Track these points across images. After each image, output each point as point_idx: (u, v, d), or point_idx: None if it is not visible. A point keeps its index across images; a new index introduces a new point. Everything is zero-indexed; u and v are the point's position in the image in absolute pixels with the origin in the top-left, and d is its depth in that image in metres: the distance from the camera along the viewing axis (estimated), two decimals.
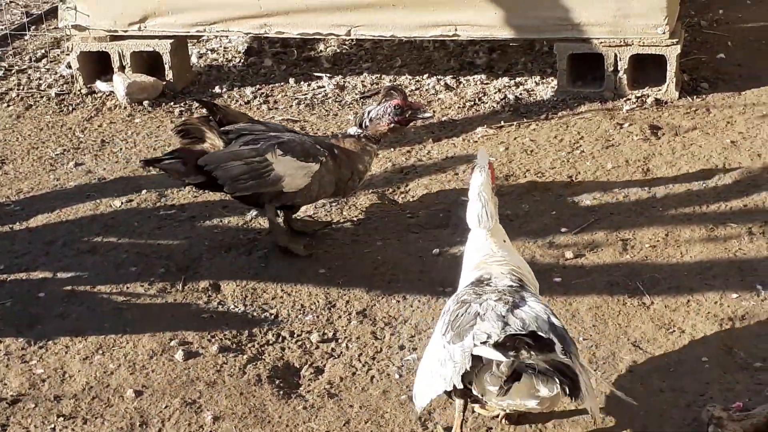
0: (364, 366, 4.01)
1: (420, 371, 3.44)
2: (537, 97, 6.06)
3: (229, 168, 4.48)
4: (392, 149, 5.60)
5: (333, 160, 4.64)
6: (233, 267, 4.63)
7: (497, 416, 3.63)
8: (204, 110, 4.80)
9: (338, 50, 6.82)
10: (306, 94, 6.31)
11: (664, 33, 5.68)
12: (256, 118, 5.16)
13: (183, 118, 5.25)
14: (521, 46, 6.57)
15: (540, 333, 3.09)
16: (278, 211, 4.76)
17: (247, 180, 4.50)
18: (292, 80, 6.47)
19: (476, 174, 3.63)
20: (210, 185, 4.60)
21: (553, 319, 3.25)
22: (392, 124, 4.67)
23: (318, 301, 4.41)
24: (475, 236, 3.65)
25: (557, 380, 3.06)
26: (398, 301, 4.39)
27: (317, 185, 4.62)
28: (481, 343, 3.10)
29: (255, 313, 4.35)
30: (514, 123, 5.78)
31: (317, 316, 4.31)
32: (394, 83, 4.96)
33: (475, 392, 3.24)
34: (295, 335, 4.21)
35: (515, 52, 6.56)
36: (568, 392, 3.08)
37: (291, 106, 6.16)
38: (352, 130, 4.76)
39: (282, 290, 4.49)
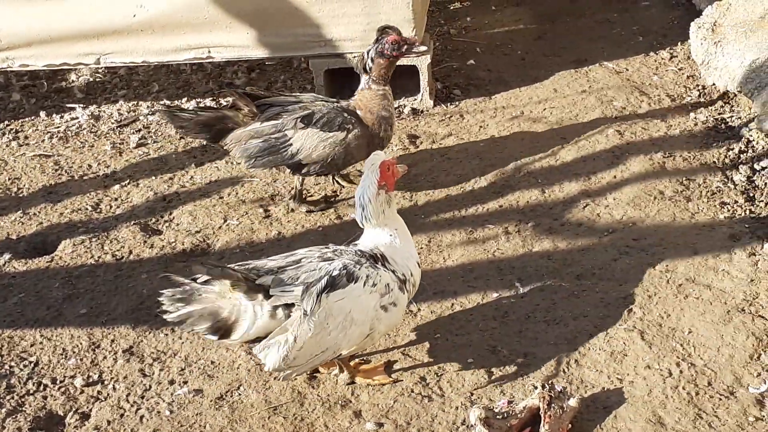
0: (132, 406, 3.88)
1: None
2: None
3: (248, 147, 4.82)
4: (153, 177, 5.46)
5: (360, 125, 4.87)
6: None
7: None
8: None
9: (91, 79, 6.59)
10: (59, 126, 6.06)
11: None
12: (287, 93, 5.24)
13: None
14: (280, 64, 6.56)
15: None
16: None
17: (264, 156, 4.83)
18: (43, 113, 6.19)
19: (363, 177, 3.81)
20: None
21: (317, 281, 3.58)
22: (390, 58, 4.88)
23: (81, 343, 4.23)
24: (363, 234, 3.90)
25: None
26: (167, 335, 4.27)
27: (342, 152, 4.87)
28: None
29: (13, 363, 4.12)
30: None
31: (80, 359, 4.14)
32: (386, 24, 5.02)
33: None
34: (58, 381, 4.02)
35: (274, 70, 6.55)
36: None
37: (43, 141, 5.89)
38: (362, 81, 4.96)
39: (41, 335, 4.28)
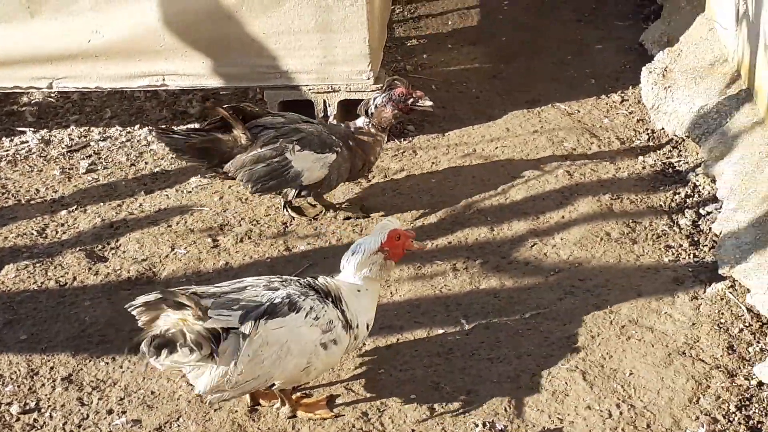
0: None
1: None
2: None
3: (252, 171, 4.94)
4: (101, 204, 5.41)
5: (348, 150, 5.05)
6: None
7: None
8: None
9: (43, 103, 6.54)
10: (8, 150, 5.99)
11: (369, 79, 5.85)
12: (273, 111, 5.37)
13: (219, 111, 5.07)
14: (235, 94, 6.55)
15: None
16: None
17: (269, 180, 4.95)
18: None
19: (372, 234, 3.88)
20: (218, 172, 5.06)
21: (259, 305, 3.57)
22: (396, 111, 5.06)
23: (19, 370, 4.16)
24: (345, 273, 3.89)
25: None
26: (107, 363, 4.22)
27: (335, 173, 5.05)
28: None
29: None
30: None
31: (18, 386, 4.07)
32: (395, 77, 5.17)
33: None
34: None
35: (229, 100, 6.51)
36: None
37: None
38: (360, 120, 5.11)
39: None
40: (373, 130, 5.10)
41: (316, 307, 3.68)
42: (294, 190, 5.06)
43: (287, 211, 5.27)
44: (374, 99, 5.11)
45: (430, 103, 5.15)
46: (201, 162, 5.04)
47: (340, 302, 3.77)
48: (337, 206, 5.32)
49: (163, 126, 5.25)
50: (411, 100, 5.09)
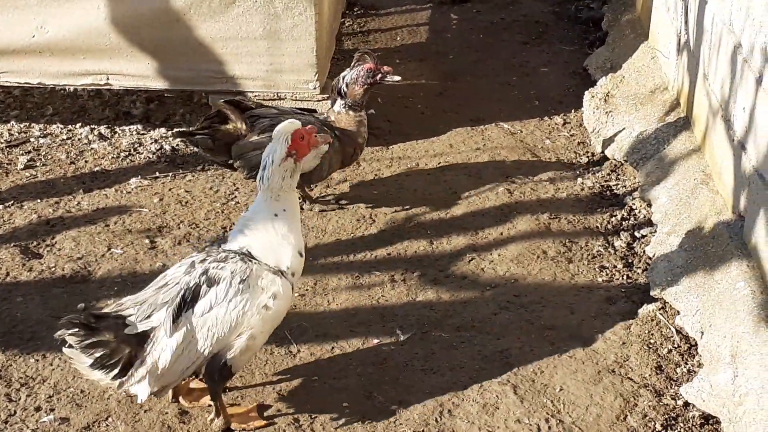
0: None
1: None
2: (194, 149, 6.02)
3: (250, 158, 4.95)
4: (38, 200, 5.34)
5: (338, 141, 5.08)
6: None
7: None
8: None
9: None
10: None
11: (315, 88, 5.86)
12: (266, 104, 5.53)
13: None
14: (180, 97, 6.52)
15: None
16: None
17: None
18: None
19: (273, 141, 3.73)
20: (231, 167, 5.10)
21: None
22: (365, 86, 5.11)
23: None
24: (256, 198, 3.78)
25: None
26: (37, 360, 4.16)
27: (327, 164, 5.11)
28: None
29: None
30: (170, 174, 5.71)
31: None
32: (364, 50, 5.24)
33: None
34: None
35: (174, 103, 6.50)
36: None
37: None
38: (337, 105, 5.15)
39: None
40: (352, 113, 5.15)
41: (237, 269, 3.58)
42: None
43: (310, 206, 5.37)
44: (344, 77, 5.13)
45: (399, 78, 5.25)
46: (225, 158, 5.07)
47: (255, 258, 3.64)
48: (314, 198, 5.40)
49: (181, 129, 5.30)
50: (380, 75, 5.15)
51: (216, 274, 3.56)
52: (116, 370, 3.50)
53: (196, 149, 5.23)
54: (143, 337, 3.51)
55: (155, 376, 3.52)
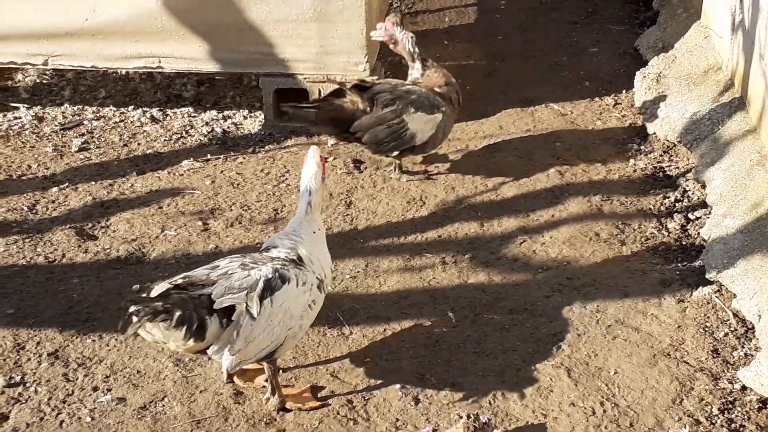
0: (53, 410, 3.82)
1: None
2: (245, 131, 6.06)
3: (376, 132, 5.17)
4: (93, 182, 5.40)
5: (450, 107, 5.34)
6: None
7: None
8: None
9: (38, 80, 6.52)
10: (1, 125, 5.97)
11: (364, 70, 5.85)
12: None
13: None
14: (230, 80, 6.55)
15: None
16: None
17: (390, 142, 5.21)
18: None
19: (308, 165, 3.96)
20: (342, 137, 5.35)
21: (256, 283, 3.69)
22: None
23: (5, 343, 4.16)
24: (296, 217, 4.02)
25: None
26: (94, 341, 4.22)
27: (441, 132, 5.34)
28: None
29: None
30: (221, 156, 5.75)
31: (4, 360, 4.07)
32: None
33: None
34: None
35: (224, 86, 6.54)
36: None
37: None
38: (416, 70, 5.42)
39: None
40: (433, 70, 5.42)
41: (298, 273, 3.82)
42: (404, 152, 5.35)
43: (399, 175, 5.49)
44: (407, 41, 5.38)
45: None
46: (332, 129, 5.31)
47: (305, 263, 3.90)
48: (405, 170, 5.55)
49: (290, 103, 5.41)
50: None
51: (286, 273, 3.78)
52: (202, 343, 3.59)
53: (300, 123, 5.48)
54: (229, 314, 3.61)
55: (238, 352, 3.62)
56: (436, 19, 7.67)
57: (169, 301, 3.51)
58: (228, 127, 6.08)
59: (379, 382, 4.02)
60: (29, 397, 3.89)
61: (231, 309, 3.62)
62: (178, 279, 3.67)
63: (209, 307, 3.58)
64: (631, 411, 3.87)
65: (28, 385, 3.95)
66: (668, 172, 5.56)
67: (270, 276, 3.73)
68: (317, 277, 3.90)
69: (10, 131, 5.92)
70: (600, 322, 4.36)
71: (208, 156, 5.74)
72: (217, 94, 6.46)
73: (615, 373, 4.06)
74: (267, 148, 5.86)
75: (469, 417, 3.67)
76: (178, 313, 3.49)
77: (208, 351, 3.63)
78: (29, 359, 4.09)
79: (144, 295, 3.61)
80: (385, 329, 4.34)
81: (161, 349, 3.99)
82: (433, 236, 5.03)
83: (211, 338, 3.59)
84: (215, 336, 3.60)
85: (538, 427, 3.80)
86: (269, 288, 3.70)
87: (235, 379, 4.00)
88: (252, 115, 6.23)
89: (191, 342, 3.55)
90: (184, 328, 3.50)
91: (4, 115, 6.09)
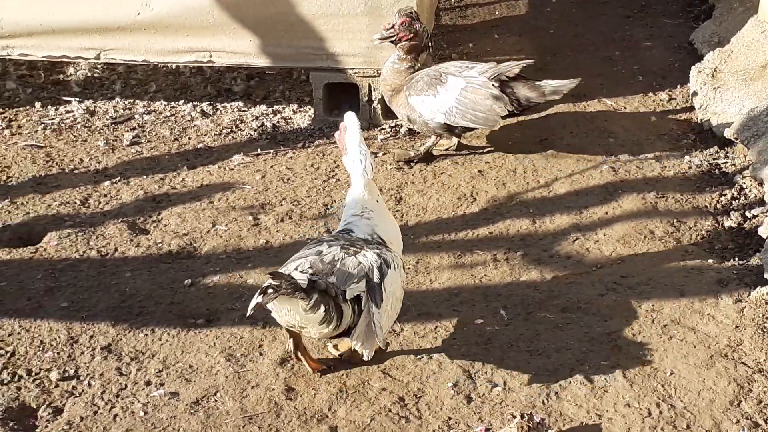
0: (107, 404, 3.84)
1: None
2: (294, 126, 6.05)
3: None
4: (144, 176, 5.43)
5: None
6: None
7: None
8: None
9: (89, 74, 6.56)
10: (53, 118, 6.03)
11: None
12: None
13: None
14: (279, 74, 6.55)
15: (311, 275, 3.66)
16: None
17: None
18: (38, 104, 6.16)
19: (351, 131, 3.93)
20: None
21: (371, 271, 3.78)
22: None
23: (59, 337, 4.18)
24: (354, 189, 4.01)
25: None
26: (146, 335, 4.23)
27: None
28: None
29: None
30: (272, 151, 5.74)
31: (58, 353, 4.09)
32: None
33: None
34: (33, 374, 3.97)
35: (273, 80, 6.53)
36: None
37: (36, 131, 5.86)
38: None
39: (20, 326, 4.23)
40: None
41: (393, 256, 3.94)
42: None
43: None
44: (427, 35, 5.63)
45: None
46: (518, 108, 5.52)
47: (387, 245, 4.01)
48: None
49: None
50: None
51: (387, 258, 3.88)
52: (340, 328, 3.74)
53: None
54: (357, 302, 3.75)
55: (375, 336, 3.72)
56: (486, 12, 7.61)
57: (313, 285, 3.60)
58: (278, 122, 6.08)
59: (430, 380, 3.99)
60: (83, 390, 3.91)
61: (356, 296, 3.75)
62: (306, 267, 3.72)
63: (343, 294, 3.70)
64: (688, 413, 3.80)
65: (81, 378, 3.97)
66: (724, 169, 5.46)
67: (380, 263, 3.83)
68: (400, 258, 4.04)
69: (63, 125, 5.96)
70: (655, 322, 4.29)
71: (258, 151, 5.74)
72: (267, 89, 6.46)
73: (671, 374, 3.99)
74: (317, 143, 5.85)
75: (522, 417, 3.63)
76: (315, 297, 3.58)
77: (350, 340, 3.75)
78: (83, 353, 4.11)
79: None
80: (436, 326, 4.31)
81: (296, 328, 3.85)
82: (484, 233, 4.98)
83: (345, 325, 3.73)
84: (348, 324, 3.73)
85: (592, 427, 3.75)
86: (383, 275, 3.81)
87: (330, 349, 4.14)
88: (301, 109, 6.22)
89: (328, 327, 3.68)
90: (323, 311, 3.61)
91: (56, 109, 6.14)
